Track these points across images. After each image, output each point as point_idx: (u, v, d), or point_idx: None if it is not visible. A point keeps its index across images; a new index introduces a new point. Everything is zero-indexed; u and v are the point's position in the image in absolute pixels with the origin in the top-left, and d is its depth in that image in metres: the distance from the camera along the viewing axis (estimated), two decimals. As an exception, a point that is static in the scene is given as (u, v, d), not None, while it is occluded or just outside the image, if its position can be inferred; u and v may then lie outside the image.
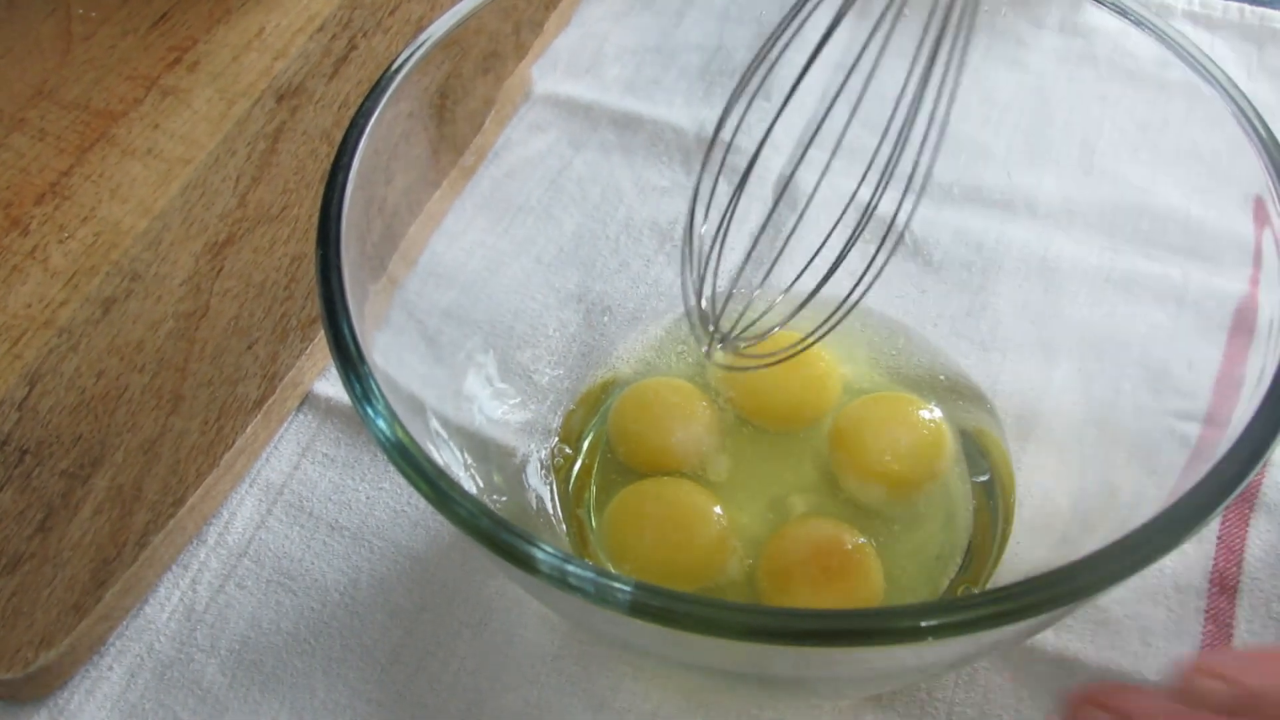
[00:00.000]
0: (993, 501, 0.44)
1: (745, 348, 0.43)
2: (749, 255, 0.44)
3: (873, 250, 0.41)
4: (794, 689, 0.40)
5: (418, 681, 0.42)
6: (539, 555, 0.29)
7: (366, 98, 0.37)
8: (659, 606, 0.28)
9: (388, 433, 0.31)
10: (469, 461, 0.40)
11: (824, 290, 0.41)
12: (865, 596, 0.41)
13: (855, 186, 0.42)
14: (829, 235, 0.43)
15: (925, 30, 0.36)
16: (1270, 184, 0.35)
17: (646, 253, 0.50)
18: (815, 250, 0.43)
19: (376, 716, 0.42)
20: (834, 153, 0.42)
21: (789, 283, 0.44)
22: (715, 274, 0.42)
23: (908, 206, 0.41)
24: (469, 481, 0.38)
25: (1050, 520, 0.42)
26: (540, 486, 0.44)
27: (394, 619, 0.44)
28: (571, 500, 0.45)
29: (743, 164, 0.46)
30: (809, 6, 0.39)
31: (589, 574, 0.28)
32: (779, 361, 0.43)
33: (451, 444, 0.39)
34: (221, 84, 0.59)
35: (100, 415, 0.47)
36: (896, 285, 0.47)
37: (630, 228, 0.50)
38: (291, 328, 0.50)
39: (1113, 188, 0.44)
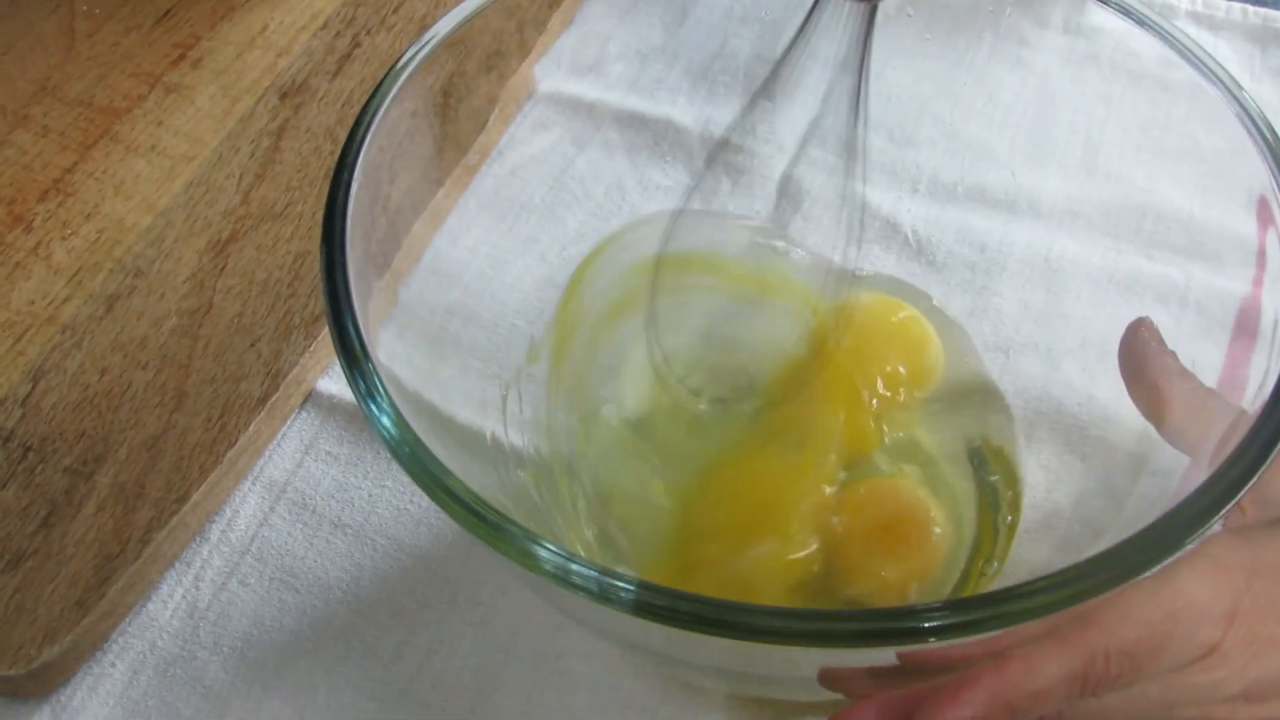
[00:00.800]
0: (995, 502, 0.44)
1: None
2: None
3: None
4: (795, 687, 0.40)
5: (420, 679, 0.43)
6: (542, 553, 0.29)
7: (371, 96, 0.37)
8: (662, 605, 0.28)
9: (392, 430, 0.31)
10: (472, 458, 0.40)
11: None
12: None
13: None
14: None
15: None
16: (1273, 184, 0.35)
17: (648, 251, 0.50)
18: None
19: (379, 714, 0.42)
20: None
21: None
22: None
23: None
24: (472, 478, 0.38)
25: (1052, 522, 0.42)
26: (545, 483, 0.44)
27: (396, 617, 0.44)
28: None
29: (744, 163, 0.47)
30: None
31: (592, 572, 0.28)
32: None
33: (455, 440, 0.39)
34: (225, 81, 0.59)
35: (103, 412, 0.48)
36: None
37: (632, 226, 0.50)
38: (295, 325, 0.50)
39: (1116, 188, 0.44)
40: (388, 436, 0.31)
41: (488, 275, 0.46)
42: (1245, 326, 0.36)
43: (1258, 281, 0.36)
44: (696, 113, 0.51)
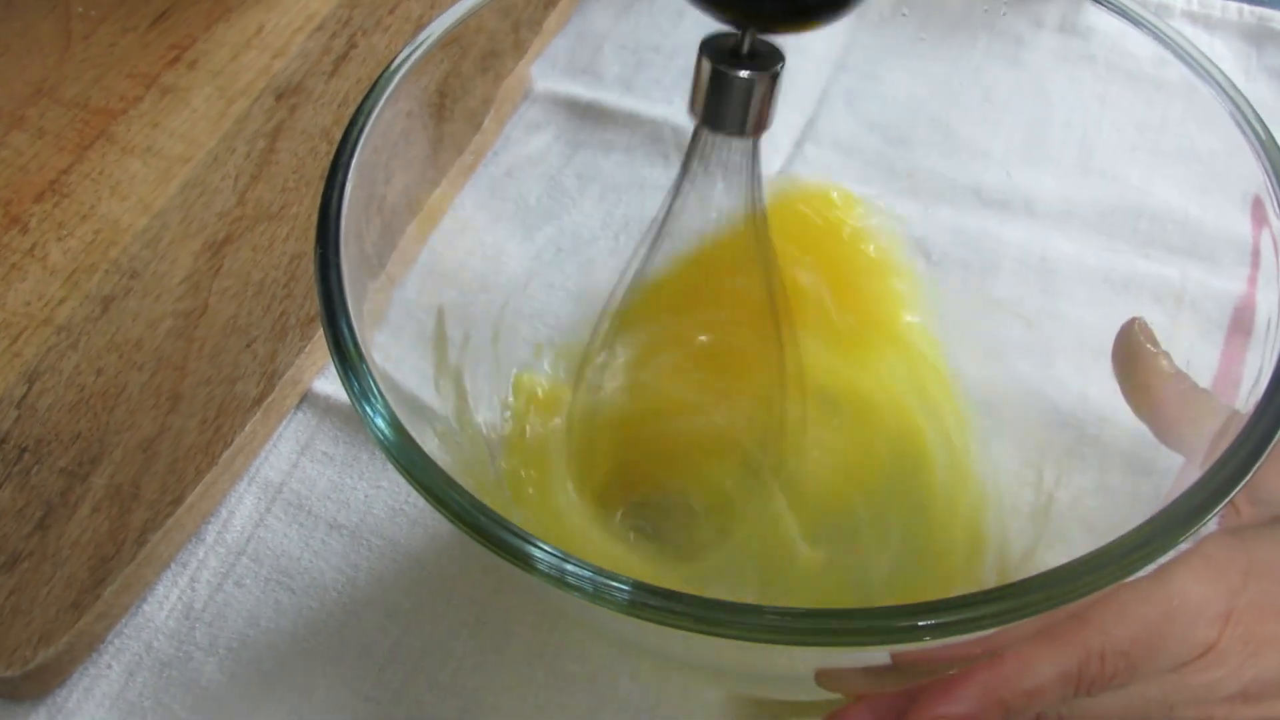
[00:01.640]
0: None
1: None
2: None
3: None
4: (791, 685, 0.40)
5: (415, 680, 0.42)
6: (537, 554, 0.29)
7: (366, 96, 0.37)
8: (656, 605, 0.28)
9: (386, 431, 0.31)
10: (468, 459, 0.40)
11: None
12: None
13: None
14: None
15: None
16: (1268, 184, 0.35)
17: (643, 251, 0.50)
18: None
19: (374, 715, 0.42)
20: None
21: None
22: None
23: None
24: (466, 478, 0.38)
25: (1047, 521, 0.42)
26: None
27: (392, 617, 0.44)
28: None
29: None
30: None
31: (587, 572, 0.28)
32: None
33: (450, 442, 0.39)
34: (221, 82, 0.59)
35: (99, 413, 0.47)
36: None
37: (630, 226, 0.50)
38: (290, 326, 0.50)
39: (1111, 187, 0.44)
40: (382, 438, 0.31)
41: (483, 276, 0.46)
42: (1240, 325, 0.36)
43: (1252, 280, 0.36)
44: (692, 113, 0.51)
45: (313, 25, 0.61)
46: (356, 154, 0.36)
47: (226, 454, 0.46)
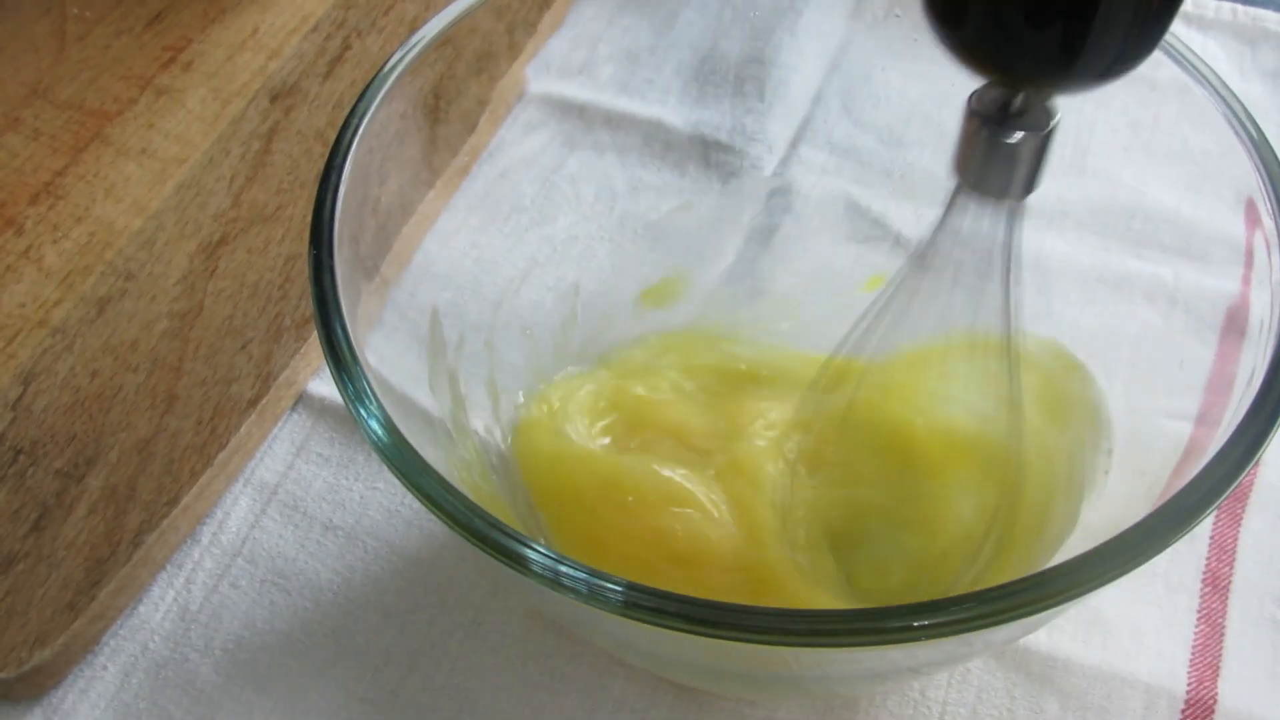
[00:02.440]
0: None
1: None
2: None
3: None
4: (786, 687, 0.40)
5: (410, 681, 0.43)
6: (531, 555, 0.29)
7: (360, 98, 0.37)
8: (651, 606, 0.28)
9: (380, 433, 0.31)
10: (463, 459, 0.40)
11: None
12: None
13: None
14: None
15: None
16: (1261, 185, 0.35)
17: (640, 252, 0.50)
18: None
19: (369, 716, 0.42)
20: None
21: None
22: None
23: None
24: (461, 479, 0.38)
25: (1043, 521, 0.42)
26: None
27: (387, 619, 0.44)
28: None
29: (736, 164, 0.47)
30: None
31: (582, 574, 0.29)
32: None
33: (445, 443, 0.39)
34: (216, 84, 0.59)
35: (94, 415, 0.47)
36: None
37: (624, 227, 0.50)
38: (286, 327, 0.50)
39: (1105, 187, 0.44)
40: (376, 440, 0.31)
41: (478, 277, 0.46)
42: (1234, 326, 0.36)
43: (1246, 280, 0.36)
44: (687, 114, 0.51)
45: (308, 26, 0.61)
46: (351, 155, 0.36)
47: (222, 455, 0.46)
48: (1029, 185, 0.32)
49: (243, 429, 0.47)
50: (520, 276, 0.47)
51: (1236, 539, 0.44)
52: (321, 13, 0.61)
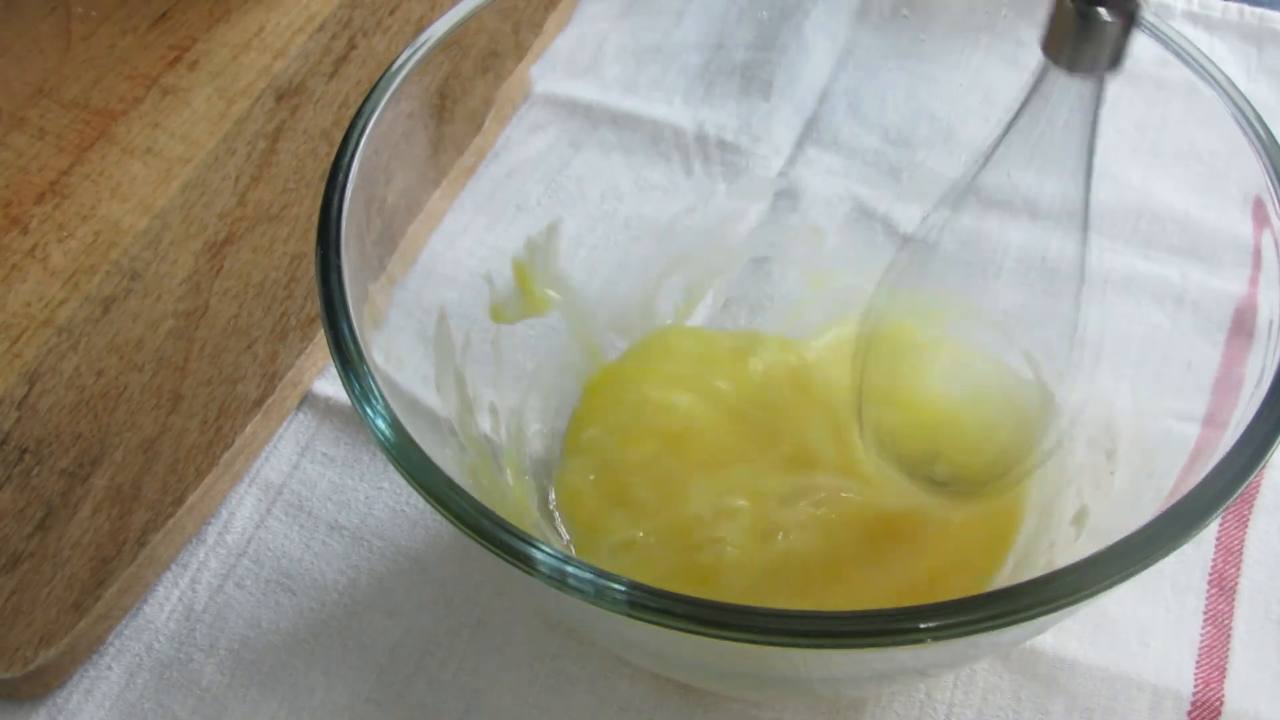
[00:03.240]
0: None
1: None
2: None
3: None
4: (792, 689, 0.40)
5: (416, 681, 0.42)
6: (537, 555, 0.29)
7: (366, 98, 0.37)
8: (657, 607, 0.28)
9: (386, 433, 0.31)
10: (469, 459, 0.40)
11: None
12: None
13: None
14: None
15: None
16: (1269, 185, 0.35)
17: (645, 252, 0.50)
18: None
19: (375, 716, 0.42)
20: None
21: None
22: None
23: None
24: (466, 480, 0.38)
25: (1050, 521, 0.42)
26: (541, 487, 0.44)
27: (393, 619, 0.44)
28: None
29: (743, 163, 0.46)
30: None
31: (588, 574, 0.28)
32: None
33: (451, 443, 0.39)
34: (221, 83, 0.59)
35: (100, 414, 0.47)
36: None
37: (630, 227, 0.50)
38: (291, 327, 0.50)
39: (1111, 188, 0.44)
40: (382, 439, 0.31)
41: (484, 276, 0.46)
42: (1241, 326, 0.36)
43: (1253, 281, 0.36)
44: (693, 113, 0.51)
45: (313, 26, 0.61)
46: (357, 155, 0.36)
47: (227, 455, 0.46)
48: (1116, 59, 0.33)
49: (248, 428, 0.47)
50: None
51: (1243, 541, 0.44)
52: (327, 12, 0.61)
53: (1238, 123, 0.36)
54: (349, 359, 0.32)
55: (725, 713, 0.41)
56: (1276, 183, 0.35)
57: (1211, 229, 0.40)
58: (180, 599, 0.45)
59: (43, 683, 0.42)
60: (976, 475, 0.42)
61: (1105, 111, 0.44)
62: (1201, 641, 0.42)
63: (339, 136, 0.36)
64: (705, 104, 0.50)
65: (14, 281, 0.52)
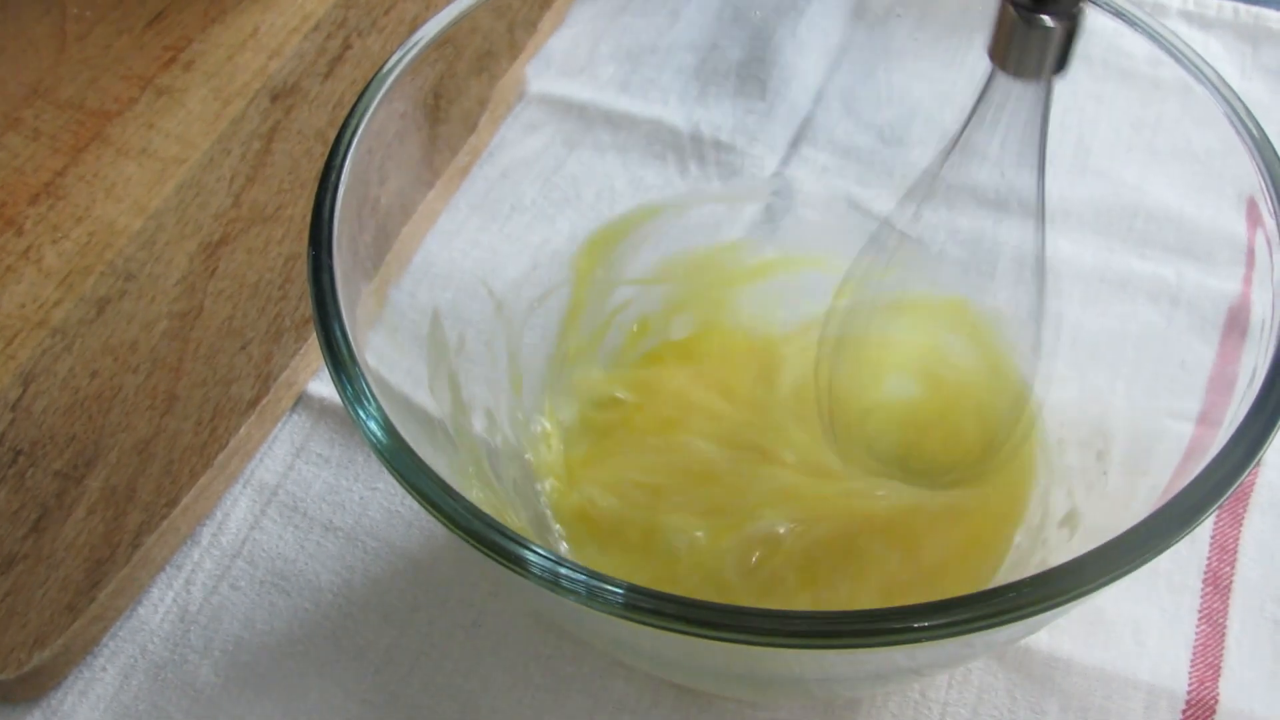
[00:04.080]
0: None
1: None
2: None
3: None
4: (787, 689, 0.40)
5: (411, 683, 0.42)
6: (530, 557, 0.29)
7: (359, 97, 0.37)
8: (650, 608, 0.28)
9: (379, 435, 0.31)
10: (462, 461, 0.40)
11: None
12: None
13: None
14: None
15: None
16: (1263, 184, 0.35)
17: (641, 253, 0.50)
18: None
19: (370, 718, 0.42)
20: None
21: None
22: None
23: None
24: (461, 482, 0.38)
25: (1042, 522, 0.42)
26: (538, 490, 0.44)
27: (388, 620, 0.44)
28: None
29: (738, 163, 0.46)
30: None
31: (581, 576, 0.28)
32: None
33: (445, 445, 0.39)
34: (216, 83, 0.59)
35: (94, 415, 0.47)
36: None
37: (625, 227, 0.50)
38: (286, 328, 0.49)
39: (1106, 187, 0.44)
40: (375, 441, 0.31)
41: (478, 278, 0.46)
42: (1235, 325, 0.36)
43: (1247, 280, 0.36)
44: (688, 113, 0.51)
45: (308, 26, 0.61)
46: (350, 155, 0.36)
47: (221, 456, 0.46)
48: (1060, 64, 0.34)
49: (242, 430, 0.47)
50: (521, 277, 0.46)
51: (1238, 539, 0.44)
52: (322, 12, 0.61)
53: (1232, 122, 0.36)
54: (341, 361, 0.32)
55: (720, 712, 0.41)
56: (1270, 182, 0.35)
57: (1206, 228, 0.40)
58: (175, 600, 0.45)
59: (37, 684, 0.42)
60: (953, 466, 0.42)
61: (1101, 110, 0.44)
62: (1196, 640, 0.42)
63: (333, 137, 0.36)
64: (700, 104, 0.51)
65: (8, 283, 0.52)
